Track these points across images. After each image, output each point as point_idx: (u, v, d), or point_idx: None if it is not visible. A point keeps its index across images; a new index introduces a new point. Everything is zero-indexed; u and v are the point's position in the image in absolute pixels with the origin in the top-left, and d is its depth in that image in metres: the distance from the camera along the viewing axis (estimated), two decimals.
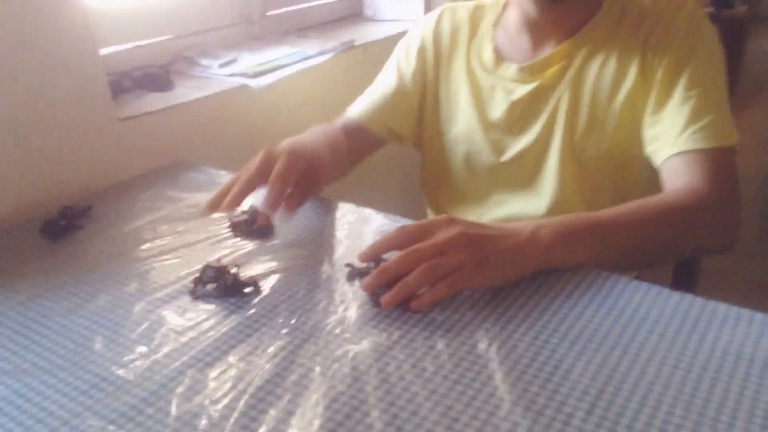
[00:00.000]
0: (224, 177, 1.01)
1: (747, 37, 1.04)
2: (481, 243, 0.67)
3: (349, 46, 1.35)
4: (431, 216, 1.16)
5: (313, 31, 1.49)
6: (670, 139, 0.86)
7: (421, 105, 1.08)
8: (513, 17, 1.00)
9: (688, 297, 0.67)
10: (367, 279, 0.67)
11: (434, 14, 1.10)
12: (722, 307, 0.65)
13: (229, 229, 0.85)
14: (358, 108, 1.09)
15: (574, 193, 0.97)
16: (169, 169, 1.05)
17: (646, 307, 0.65)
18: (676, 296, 0.67)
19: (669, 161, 0.86)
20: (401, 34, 1.44)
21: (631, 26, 0.93)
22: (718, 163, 0.84)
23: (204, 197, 0.94)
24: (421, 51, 1.08)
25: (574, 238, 0.72)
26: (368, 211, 0.89)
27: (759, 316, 0.64)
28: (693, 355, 0.58)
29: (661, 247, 0.80)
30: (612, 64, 0.93)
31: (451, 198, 1.10)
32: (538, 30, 0.97)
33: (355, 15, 1.63)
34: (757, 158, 3.09)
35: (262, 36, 1.40)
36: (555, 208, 0.98)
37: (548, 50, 0.97)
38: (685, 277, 1.08)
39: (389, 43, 1.42)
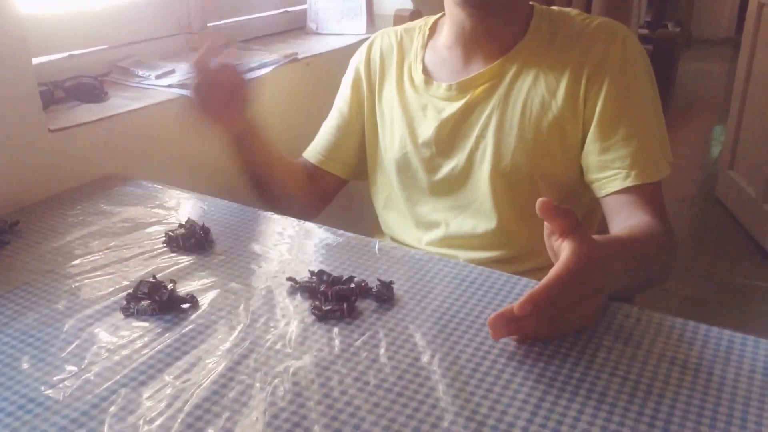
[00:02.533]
0: (160, 190, 0.98)
1: (679, 57, 1.08)
2: (598, 296, 0.64)
3: (292, 59, 1.34)
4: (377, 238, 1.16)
5: (255, 43, 1.47)
6: (619, 173, 0.90)
7: (362, 134, 1.11)
8: (444, 36, 1.02)
9: (625, 306, 0.68)
10: (501, 332, 0.62)
11: (366, 43, 1.12)
12: (656, 317, 0.67)
13: (164, 244, 0.82)
14: (313, 153, 1.14)
15: (511, 213, 0.98)
16: (103, 182, 1.01)
17: None
18: (612, 305, 0.68)
19: (618, 195, 0.90)
20: (344, 48, 1.46)
21: (561, 48, 0.95)
22: (660, 196, 0.91)
23: (137, 211, 0.92)
24: (356, 82, 1.11)
25: (628, 265, 0.71)
26: (309, 225, 0.88)
27: (691, 324, 0.66)
28: (629, 362, 0.59)
29: (650, 273, 0.84)
30: (541, 85, 0.94)
31: (396, 218, 1.10)
32: (469, 46, 0.99)
33: (298, 28, 1.63)
34: (687, 176, 3.21)
35: (202, 47, 1.37)
36: (492, 228, 0.99)
37: (478, 68, 0.98)
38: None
39: (332, 57, 1.42)
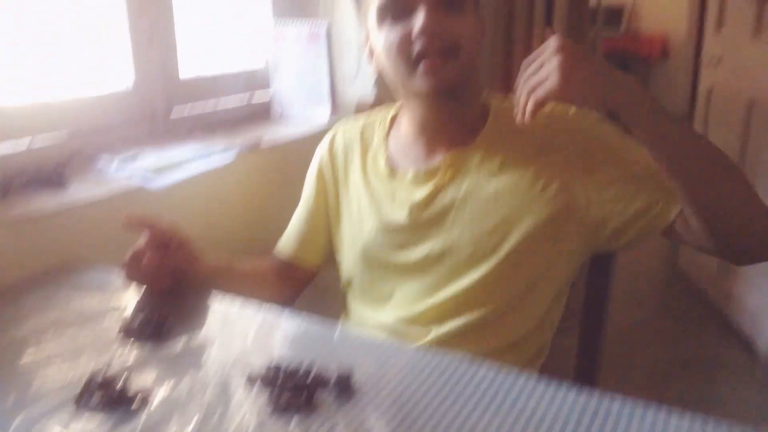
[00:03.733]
0: (117, 279, 0.97)
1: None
2: (584, 57, 0.79)
3: (255, 147, 1.36)
4: (343, 319, 1.15)
5: (219, 131, 1.49)
6: (660, 203, 0.92)
7: (330, 225, 1.13)
8: (405, 127, 1.05)
9: (585, 392, 0.68)
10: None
11: (328, 136, 1.15)
12: (617, 402, 0.66)
13: (120, 333, 0.80)
14: (285, 248, 1.15)
15: (490, 289, 0.98)
16: (59, 271, 0.99)
17: (545, 405, 0.66)
18: (572, 393, 0.68)
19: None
20: (309, 137, 1.48)
21: (521, 135, 0.98)
22: None
23: (94, 300, 0.90)
24: (320, 175, 1.13)
25: (653, 107, 0.81)
26: (269, 312, 0.87)
27: (652, 408, 0.65)
28: None
29: (725, 187, 0.86)
30: (509, 169, 0.97)
31: (364, 302, 1.10)
32: (431, 136, 1.02)
33: (263, 115, 1.66)
34: (651, 249, 3.28)
35: (166, 135, 1.39)
36: (471, 303, 0.99)
37: (440, 157, 1.01)
38: (585, 369, 1.10)
39: (296, 145, 1.45)
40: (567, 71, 0.77)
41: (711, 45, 2.70)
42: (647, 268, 3.06)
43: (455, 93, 0.97)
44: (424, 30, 0.90)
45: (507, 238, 0.96)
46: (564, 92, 0.77)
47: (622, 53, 5.63)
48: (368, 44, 1.01)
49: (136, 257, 0.91)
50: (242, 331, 0.82)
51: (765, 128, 2.27)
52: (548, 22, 1.83)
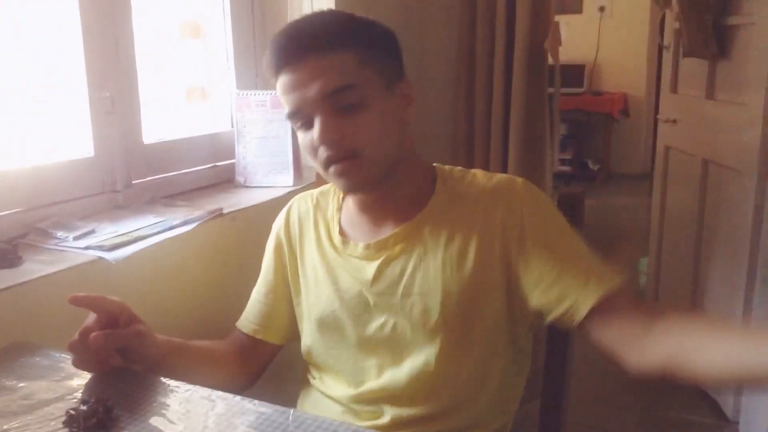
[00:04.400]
0: (67, 361, 0.93)
1: (582, 206, 1.16)
2: None
3: (217, 215, 1.35)
4: (304, 393, 1.13)
5: (183, 199, 1.48)
6: (580, 294, 0.92)
7: (289, 298, 1.13)
8: (351, 201, 1.07)
9: None
10: None
11: (284, 210, 1.16)
12: None
13: (64, 424, 0.77)
14: (246, 323, 1.14)
15: (445, 360, 0.98)
16: (7, 353, 0.96)
17: None
18: None
19: (593, 312, 0.91)
20: (272, 201, 1.48)
21: (468, 206, 1.00)
22: (628, 294, 0.94)
23: (41, 385, 0.87)
24: (277, 248, 1.14)
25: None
26: (225, 397, 0.85)
27: None
28: None
29: None
30: (456, 240, 0.99)
31: (327, 374, 1.09)
32: (375, 214, 1.04)
33: (226, 182, 1.66)
34: None
35: (127, 205, 1.37)
36: (425, 378, 0.98)
37: (391, 229, 1.02)
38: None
39: (259, 211, 1.44)
40: None
41: (667, 106, 2.79)
42: None
43: (376, 186, 0.99)
44: (321, 140, 0.92)
45: (455, 311, 0.97)
46: None
47: (584, 110, 5.80)
48: None
49: (83, 337, 0.88)
50: (194, 419, 0.80)
51: (720, 187, 2.33)
52: (508, 78, 1.88)
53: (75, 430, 0.76)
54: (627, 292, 0.94)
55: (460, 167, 1.08)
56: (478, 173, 1.05)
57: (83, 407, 0.78)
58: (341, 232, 1.06)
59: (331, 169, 0.95)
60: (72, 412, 0.78)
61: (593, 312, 0.91)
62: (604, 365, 2.91)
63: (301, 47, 0.92)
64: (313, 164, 1.00)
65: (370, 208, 1.04)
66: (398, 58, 1.00)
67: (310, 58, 0.92)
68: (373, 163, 0.95)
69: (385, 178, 0.98)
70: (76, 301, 0.91)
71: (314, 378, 1.11)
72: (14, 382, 0.88)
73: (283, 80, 0.94)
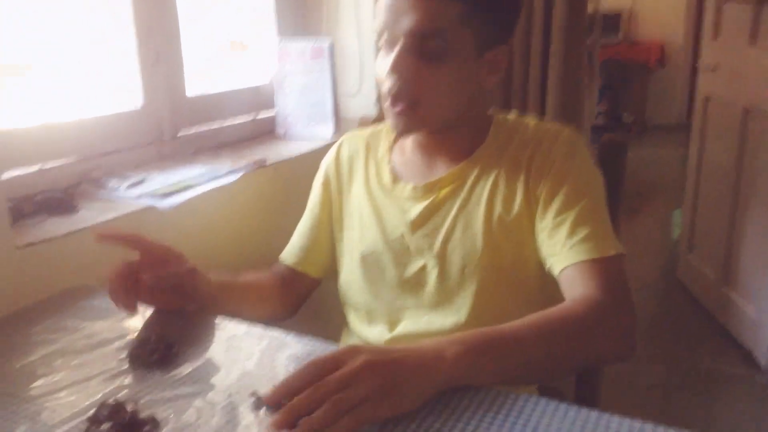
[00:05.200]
0: None
1: (626, 155, 1.15)
2: (387, 370, 0.67)
3: (260, 165, 1.38)
4: (344, 335, 1.17)
5: (225, 150, 1.51)
6: (560, 253, 0.93)
7: (334, 233, 1.14)
8: (407, 141, 1.08)
9: (584, 411, 0.69)
10: (276, 417, 0.65)
11: (335, 146, 1.17)
12: (615, 421, 0.68)
13: (128, 360, 0.82)
14: (289, 255, 1.16)
15: (481, 308, 1.00)
16: (68, 296, 1.01)
17: (545, 424, 0.68)
18: (573, 411, 0.70)
19: (563, 274, 0.92)
20: (312, 153, 1.51)
21: (515, 150, 1.01)
22: (607, 271, 0.90)
23: (102, 326, 0.92)
24: (326, 184, 1.15)
25: (477, 356, 0.73)
26: (275, 333, 0.89)
27: (649, 427, 0.67)
28: None
29: (562, 358, 0.82)
30: (501, 187, 1.00)
31: (364, 315, 1.11)
32: (430, 153, 1.05)
33: (267, 134, 1.68)
34: (649, 261, 3.29)
35: (173, 156, 1.41)
36: (462, 324, 1.01)
37: (441, 171, 1.04)
38: (587, 387, 1.11)
39: (300, 162, 1.47)
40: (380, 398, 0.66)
41: (707, 53, 2.72)
42: (646, 279, 3.07)
43: (429, 132, 0.99)
44: (390, 71, 0.92)
45: (495, 257, 0.99)
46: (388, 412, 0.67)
47: (620, 60, 5.66)
48: None
49: (123, 276, 0.89)
50: (248, 354, 0.84)
51: (761, 135, 2.29)
52: (546, 29, 1.85)
53: (137, 365, 0.81)
54: (611, 268, 0.90)
55: (516, 114, 1.09)
56: (531, 121, 1.06)
57: (145, 345, 0.83)
58: (391, 171, 1.08)
59: (388, 104, 0.95)
60: (134, 349, 0.83)
61: (566, 269, 0.91)
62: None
63: None
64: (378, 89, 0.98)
65: (424, 146, 1.05)
66: (507, 23, 0.98)
67: None
68: (428, 117, 0.96)
69: (440, 129, 0.99)
70: (105, 239, 0.92)
71: (351, 321, 1.14)
72: (76, 322, 0.93)
73: None
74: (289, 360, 0.82)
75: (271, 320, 1.09)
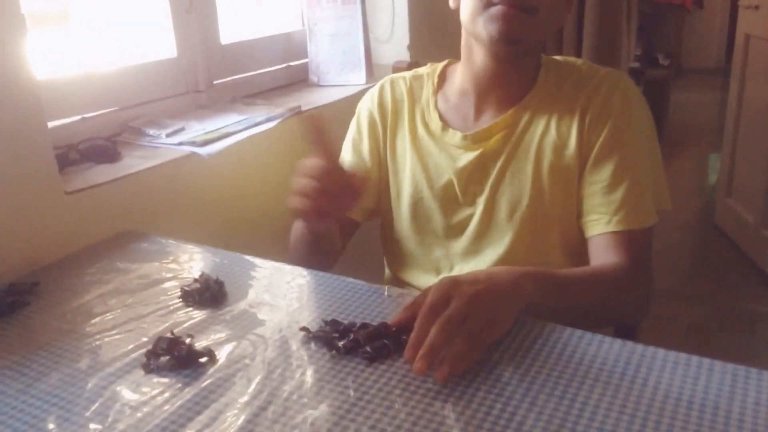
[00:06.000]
0: (174, 246, 1.01)
1: (669, 93, 1.13)
2: (491, 297, 0.71)
3: (296, 112, 1.39)
4: (388, 277, 1.18)
5: (260, 98, 1.52)
6: (602, 217, 0.95)
7: (380, 177, 1.12)
8: (457, 84, 1.05)
9: (629, 344, 0.70)
10: (416, 363, 0.66)
11: (375, 88, 1.14)
12: (661, 353, 0.69)
13: (180, 299, 0.85)
14: None
15: (524, 256, 1.00)
16: (118, 240, 1.04)
17: (590, 356, 0.69)
18: (617, 344, 0.71)
19: (599, 237, 0.95)
20: (345, 99, 1.50)
21: (568, 96, 0.99)
22: (640, 243, 0.95)
23: (153, 267, 0.94)
24: (372, 126, 1.11)
25: (543, 290, 0.79)
26: (318, 274, 0.91)
27: (695, 359, 0.68)
28: (637, 400, 0.61)
29: (598, 312, 0.90)
30: (552, 132, 0.98)
31: (405, 260, 1.12)
32: (483, 94, 1.02)
33: (300, 81, 1.68)
34: (686, 204, 3.25)
35: (210, 104, 1.42)
36: (499, 260, 1.01)
37: (490, 119, 1.02)
38: (625, 330, 1.12)
39: (334, 108, 1.47)
40: (501, 327, 0.72)
41: None
42: (684, 223, 3.04)
43: (516, 47, 0.96)
44: None
45: (542, 205, 0.98)
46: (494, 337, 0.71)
47: (654, 1, 5.46)
48: None
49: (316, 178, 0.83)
50: (295, 293, 0.86)
51: None
52: None
53: (190, 303, 0.84)
54: (640, 239, 0.94)
55: (563, 57, 1.07)
56: (584, 65, 1.03)
57: (196, 284, 0.85)
58: (440, 118, 1.06)
59: (495, 9, 0.91)
60: (186, 288, 0.85)
61: (598, 236, 0.95)
62: (672, 258, 2.92)
63: None
64: (466, 4, 0.94)
65: (477, 85, 1.02)
66: None
67: None
68: (540, 27, 0.95)
69: (524, 48, 0.97)
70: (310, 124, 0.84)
71: (396, 268, 1.15)
72: (128, 264, 0.96)
73: None
74: (333, 296, 0.84)
75: (319, 264, 1.08)
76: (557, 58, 1.06)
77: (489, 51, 0.97)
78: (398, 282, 1.14)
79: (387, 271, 1.19)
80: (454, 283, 0.72)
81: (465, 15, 0.97)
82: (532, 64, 1.02)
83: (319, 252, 1.04)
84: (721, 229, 2.86)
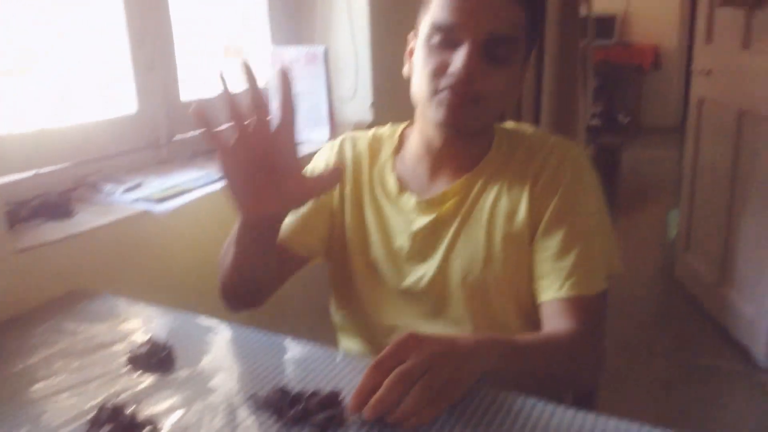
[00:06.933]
0: (125, 306, 0.99)
1: (621, 158, 1.16)
2: (453, 356, 0.72)
3: None
4: (342, 338, 1.16)
5: None
6: (554, 283, 0.95)
7: (331, 224, 1.11)
8: (413, 148, 1.07)
9: (581, 414, 0.70)
10: (365, 413, 0.67)
11: (335, 142, 1.14)
12: (612, 423, 0.69)
13: (128, 363, 0.82)
14: (281, 230, 1.08)
15: (479, 320, 1.00)
16: (68, 299, 1.02)
17: (542, 426, 0.68)
18: (570, 413, 0.70)
19: (550, 303, 0.96)
20: (308, 156, 1.50)
21: (520, 162, 1.01)
22: (591, 308, 0.95)
23: (101, 328, 0.92)
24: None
25: (500, 357, 0.79)
26: (272, 337, 0.89)
27: (646, 429, 0.67)
28: None
29: (550, 376, 0.90)
30: (504, 200, 1.00)
31: (358, 317, 1.11)
32: (437, 162, 1.04)
33: None
34: (647, 259, 3.30)
35: (169, 160, 1.42)
36: (452, 333, 1.01)
37: (444, 184, 1.03)
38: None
39: None
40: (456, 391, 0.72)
41: (701, 56, 2.73)
42: (646, 278, 3.09)
43: (465, 133, 0.99)
44: (458, 71, 0.91)
45: (496, 269, 0.99)
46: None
47: (615, 62, 5.69)
48: (412, 43, 1.01)
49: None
50: (247, 357, 0.84)
51: (755, 138, 2.30)
52: (540, 34, 1.86)
53: (137, 368, 0.82)
54: (592, 304, 0.95)
55: (515, 124, 1.09)
56: (535, 134, 1.06)
57: (144, 348, 0.83)
58: (397, 181, 1.06)
59: (445, 96, 0.93)
60: (133, 352, 0.83)
61: (549, 302, 0.96)
62: (633, 313, 2.95)
63: None
64: (419, 83, 0.96)
65: (432, 153, 1.03)
66: (537, 41, 1.03)
67: None
68: (484, 116, 0.97)
69: (473, 131, 0.99)
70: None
71: (350, 326, 1.14)
72: (75, 325, 0.94)
73: None
74: (287, 363, 0.83)
75: (252, 296, 1.03)
76: (510, 126, 1.08)
77: (437, 130, 1.00)
78: (350, 339, 1.13)
79: (339, 324, 1.17)
80: (417, 339, 0.72)
81: (415, 92, 0.99)
82: (484, 134, 1.04)
83: (249, 266, 0.96)
84: (680, 283, 2.91)
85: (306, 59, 1.60)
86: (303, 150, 1.52)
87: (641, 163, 5.02)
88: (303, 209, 1.09)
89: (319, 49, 1.59)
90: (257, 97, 0.82)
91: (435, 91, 0.94)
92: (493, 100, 0.95)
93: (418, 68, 0.97)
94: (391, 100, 1.82)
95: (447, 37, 0.93)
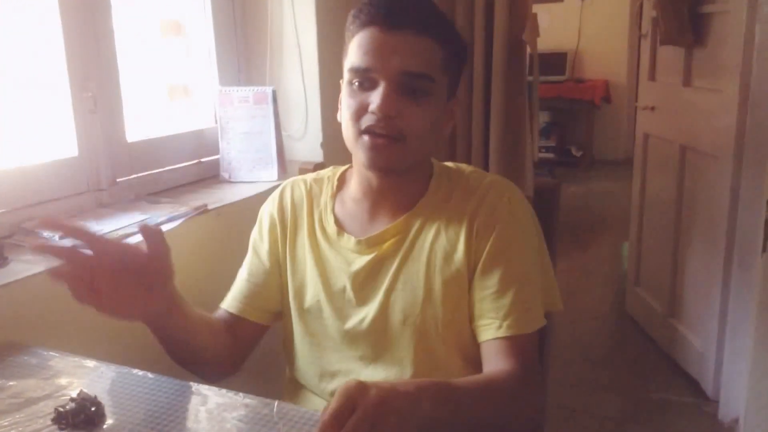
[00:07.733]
0: (57, 359, 0.96)
1: (559, 199, 1.19)
2: (397, 404, 0.73)
3: (201, 211, 1.37)
4: (288, 386, 1.15)
5: (166, 196, 1.49)
6: (493, 323, 0.97)
7: (280, 280, 1.12)
8: (352, 189, 1.07)
9: None
10: None
11: (277, 191, 1.15)
12: None
13: (53, 422, 0.79)
14: (233, 302, 1.12)
15: (420, 360, 1.00)
16: None
17: None
18: None
19: (489, 343, 0.97)
20: (256, 196, 1.50)
21: (457, 201, 1.02)
22: (528, 347, 0.97)
23: (29, 384, 0.89)
24: (272, 228, 1.12)
25: (437, 403, 0.79)
26: (207, 390, 0.87)
27: None
28: None
29: (489, 419, 0.89)
30: (442, 239, 1.00)
31: (303, 363, 1.10)
32: (376, 202, 1.04)
33: (212, 177, 1.67)
34: (599, 293, 3.35)
35: (112, 203, 1.39)
36: (397, 374, 1.01)
37: (383, 224, 1.04)
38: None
39: (244, 206, 1.46)
40: None
41: (645, 93, 2.83)
42: (598, 312, 3.12)
43: (395, 172, 1.00)
44: (376, 111, 0.93)
45: (435, 308, 0.99)
46: None
47: (566, 97, 5.84)
48: (342, 90, 1.02)
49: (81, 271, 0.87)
50: (180, 413, 0.82)
51: (697, 174, 2.38)
52: (488, 70, 1.90)
53: (63, 427, 0.79)
54: (528, 343, 0.96)
55: (454, 164, 1.10)
56: (472, 173, 1.07)
57: (71, 404, 0.80)
58: (336, 222, 1.07)
59: (368, 138, 0.95)
60: (60, 409, 0.80)
61: (489, 342, 0.97)
62: (587, 349, 2.97)
63: (405, 15, 0.94)
64: (345, 125, 0.99)
65: (370, 195, 1.04)
66: (460, 76, 1.05)
67: (408, 31, 0.93)
68: (410, 153, 0.97)
69: (404, 170, 1.00)
70: (59, 228, 0.92)
71: (294, 372, 1.13)
72: (3, 381, 0.90)
73: (368, 34, 0.94)
74: (220, 416, 0.80)
75: (217, 372, 1.06)
76: (449, 164, 1.10)
77: (370, 173, 1.01)
78: (296, 385, 1.12)
79: (287, 371, 1.16)
80: (361, 388, 0.71)
81: (345, 136, 1.00)
82: (421, 173, 1.05)
83: (177, 349, 1.02)
84: (631, 317, 2.95)
85: (254, 99, 1.61)
86: (252, 190, 1.52)
87: (595, 196, 5.12)
88: (252, 279, 1.13)
89: (268, 90, 1.60)
90: (93, 241, 0.88)
91: (359, 133, 0.96)
92: (416, 138, 0.96)
93: (343, 112, 0.99)
94: (341, 139, 1.81)
95: (364, 79, 0.95)
